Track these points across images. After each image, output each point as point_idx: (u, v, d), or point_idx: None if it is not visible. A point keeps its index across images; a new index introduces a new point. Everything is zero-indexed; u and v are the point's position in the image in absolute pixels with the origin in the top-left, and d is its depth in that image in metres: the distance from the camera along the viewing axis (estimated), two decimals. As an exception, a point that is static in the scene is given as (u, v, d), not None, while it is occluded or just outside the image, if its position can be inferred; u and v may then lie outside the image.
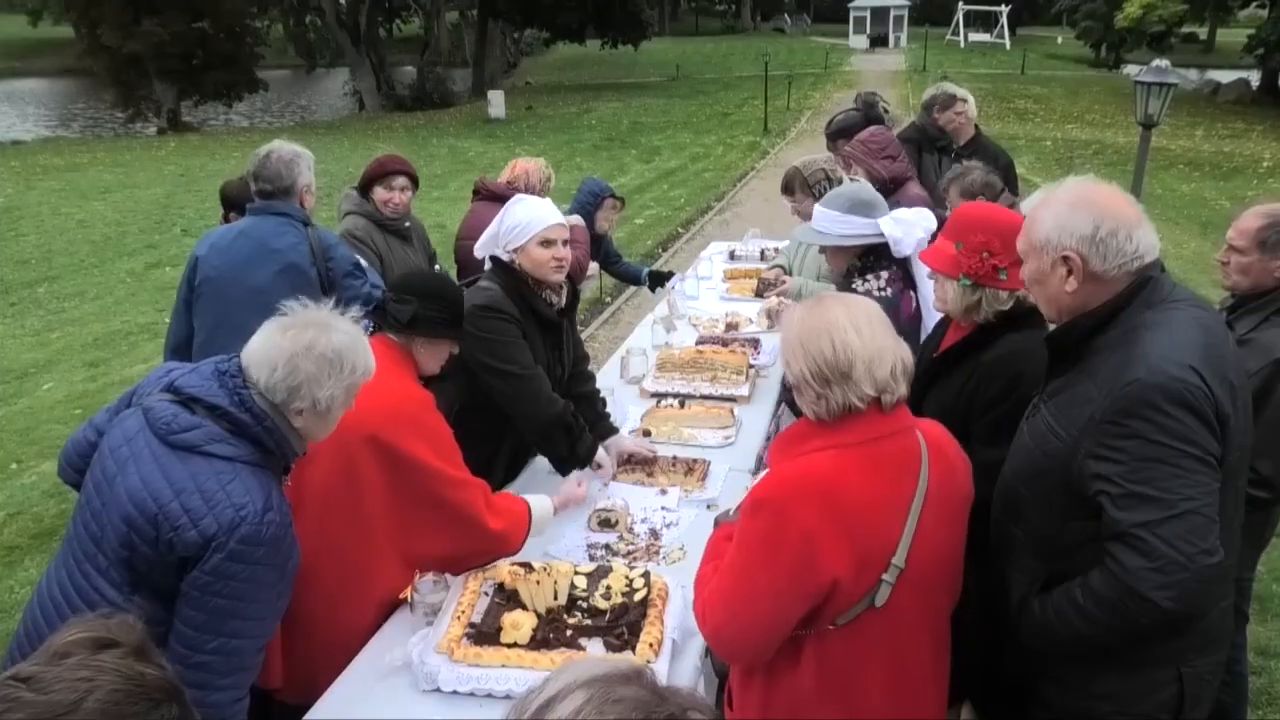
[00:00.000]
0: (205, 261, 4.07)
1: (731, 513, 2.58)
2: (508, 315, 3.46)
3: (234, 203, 4.98)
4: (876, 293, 3.64)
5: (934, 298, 2.93)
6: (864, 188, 4.03)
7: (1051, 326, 2.39)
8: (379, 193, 4.94)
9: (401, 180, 4.96)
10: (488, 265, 3.65)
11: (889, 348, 2.14)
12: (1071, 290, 2.20)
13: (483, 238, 3.63)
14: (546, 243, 3.50)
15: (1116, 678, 2.22)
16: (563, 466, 3.63)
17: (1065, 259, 2.18)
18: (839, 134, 6.14)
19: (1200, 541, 1.96)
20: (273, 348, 2.37)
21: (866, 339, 2.12)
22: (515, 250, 3.51)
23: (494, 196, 5.14)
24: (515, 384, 3.47)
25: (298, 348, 2.36)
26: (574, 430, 3.56)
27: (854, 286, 3.72)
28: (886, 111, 6.65)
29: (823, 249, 3.95)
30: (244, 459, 2.33)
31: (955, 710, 3.06)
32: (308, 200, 4.20)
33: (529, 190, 5.16)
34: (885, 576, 2.09)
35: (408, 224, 5.07)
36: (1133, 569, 1.99)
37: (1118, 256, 2.14)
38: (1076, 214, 2.17)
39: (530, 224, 3.48)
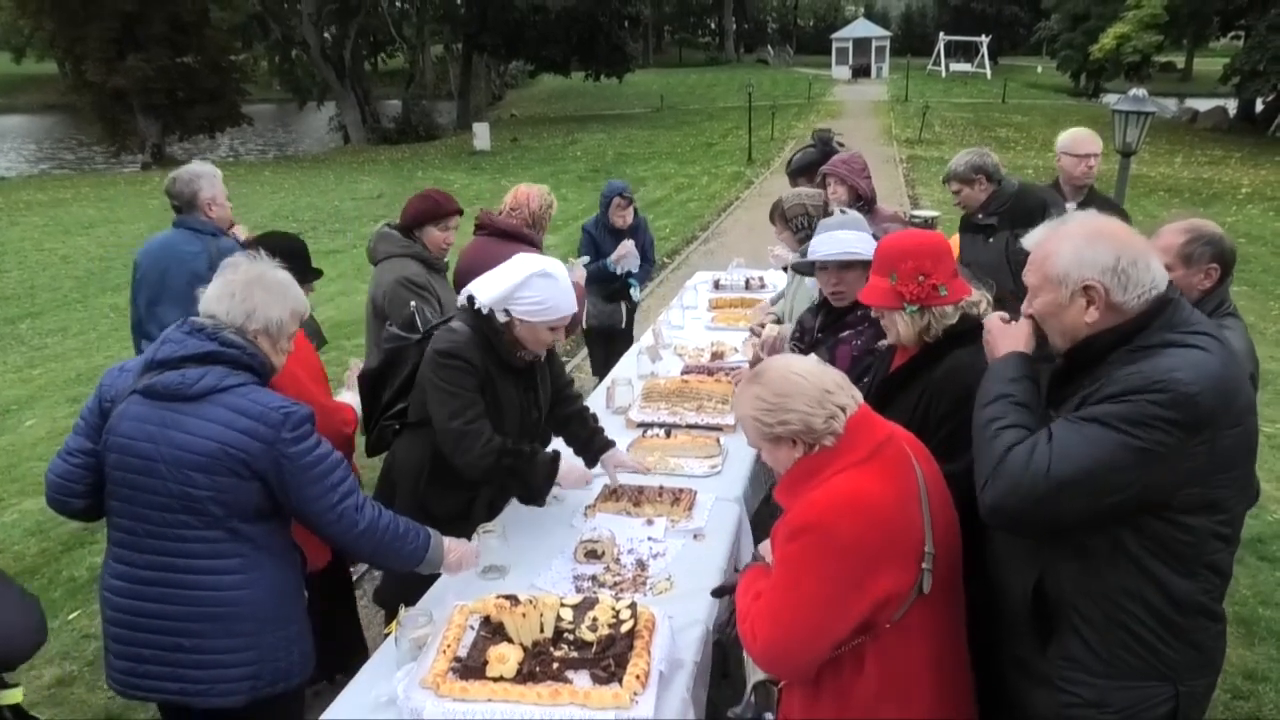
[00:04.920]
0: (139, 265, 4.98)
1: (757, 556, 2.75)
2: (467, 363, 3.34)
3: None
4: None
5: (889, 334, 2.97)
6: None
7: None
8: (433, 234, 4.71)
9: (456, 220, 4.82)
10: (462, 301, 3.49)
11: (824, 368, 2.41)
12: (1091, 321, 2.22)
13: (488, 284, 3.42)
14: (554, 329, 3.44)
15: (1114, 689, 2.24)
16: (530, 500, 3.62)
17: (1087, 289, 2.20)
18: (799, 172, 6.36)
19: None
20: (227, 284, 2.79)
21: (809, 366, 2.39)
22: (521, 320, 3.38)
23: (499, 232, 5.00)
24: (449, 438, 3.36)
25: (250, 277, 2.81)
26: (517, 469, 3.45)
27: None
28: (841, 145, 6.78)
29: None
30: (251, 382, 2.73)
31: None
32: (213, 210, 4.91)
33: (531, 218, 5.13)
34: (924, 565, 2.27)
35: (445, 259, 4.92)
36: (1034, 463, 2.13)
37: (1137, 287, 2.17)
38: (1096, 246, 2.20)
39: (552, 309, 3.36)
